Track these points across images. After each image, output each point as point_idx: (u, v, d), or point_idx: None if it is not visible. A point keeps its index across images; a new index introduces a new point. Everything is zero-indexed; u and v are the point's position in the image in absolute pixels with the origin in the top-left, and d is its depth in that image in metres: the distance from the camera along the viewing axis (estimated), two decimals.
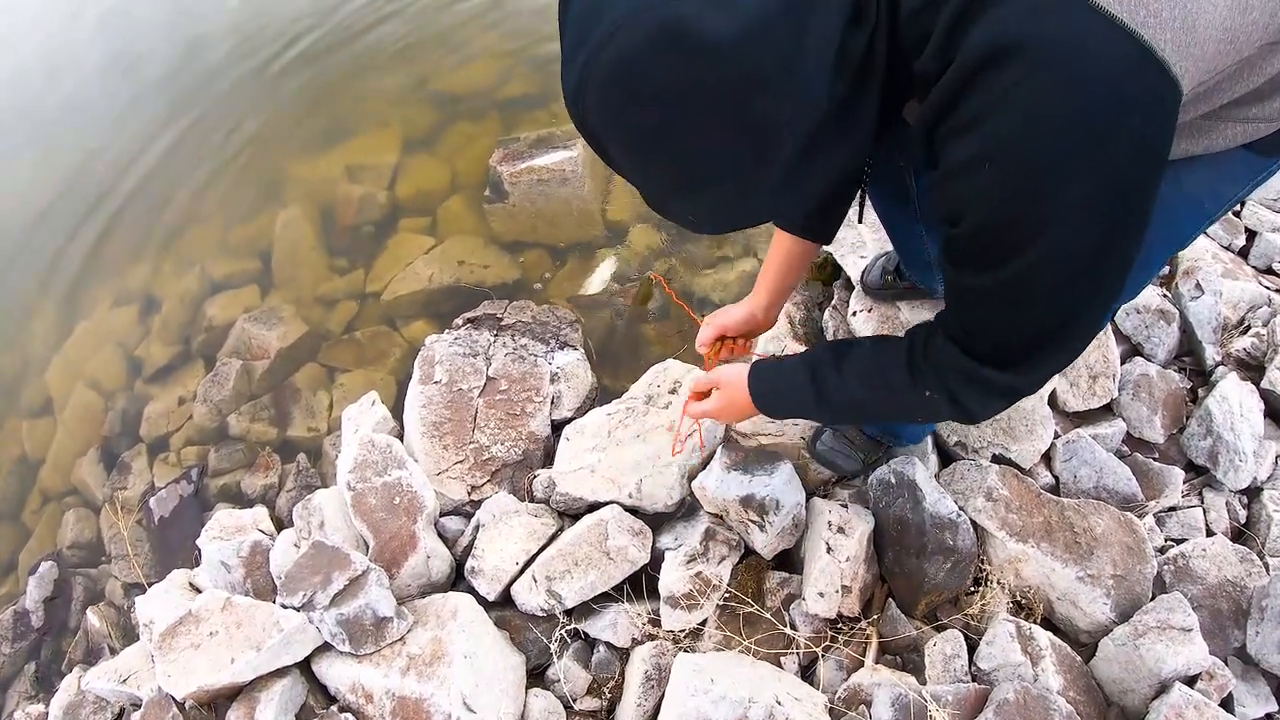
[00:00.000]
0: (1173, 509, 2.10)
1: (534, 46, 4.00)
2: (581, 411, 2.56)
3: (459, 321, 2.78)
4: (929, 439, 2.14)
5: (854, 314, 2.43)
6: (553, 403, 2.54)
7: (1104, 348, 2.26)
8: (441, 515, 2.32)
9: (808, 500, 2.03)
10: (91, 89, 4.68)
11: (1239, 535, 2.04)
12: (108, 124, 4.32)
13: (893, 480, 1.96)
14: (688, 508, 2.15)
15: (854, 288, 2.51)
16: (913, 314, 2.37)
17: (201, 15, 4.93)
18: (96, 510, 2.99)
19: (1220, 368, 2.28)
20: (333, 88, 4.16)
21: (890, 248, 2.46)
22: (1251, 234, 2.68)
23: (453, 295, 3.02)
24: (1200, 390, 2.28)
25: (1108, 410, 2.24)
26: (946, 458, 2.19)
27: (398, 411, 2.60)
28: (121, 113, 4.37)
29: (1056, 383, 2.21)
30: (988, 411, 1.15)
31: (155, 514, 2.85)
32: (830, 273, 2.74)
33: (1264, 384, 2.19)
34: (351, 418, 2.57)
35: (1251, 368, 2.29)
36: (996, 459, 2.11)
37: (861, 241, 2.61)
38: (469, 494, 2.34)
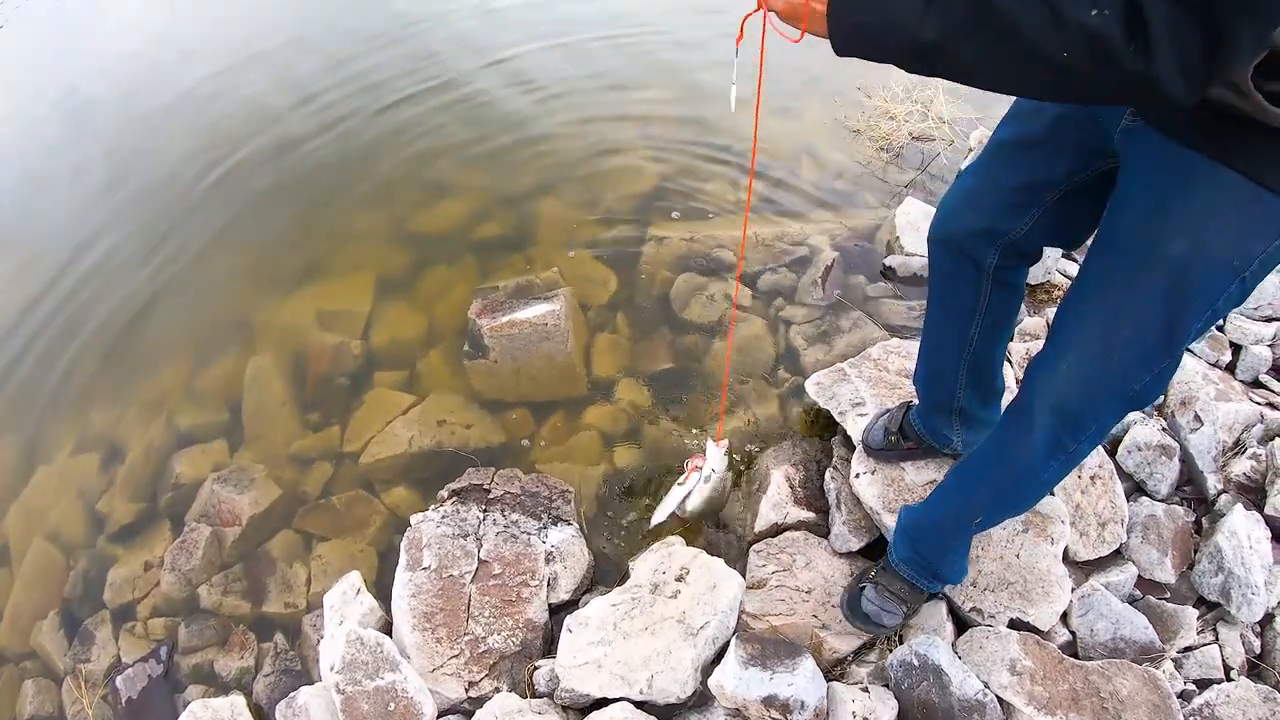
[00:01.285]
0: (1189, 649, 2.12)
1: (509, 183, 4.00)
2: (579, 592, 2.51)
3: (444, 494, 2.72)
4: (943, 605, 2.13)
5: (857, 476, 2.41)
6: (549, 585, 2.48)
7: (1110, 493, 2.29)
8: (439, 717, 2.24)
9: (827, 687, 2.00)
10: (56, 207, 4.61)
11: (1253, 667, 2.08)
12: (72, 246, 4.23)
13: (915, 662, 1.97)
14: (700, 697, 2.11)
15: (854, 447, 2.51)
16: (918, 475, 2.37)
17: (168, 139, 4.90)
18: (58, 681, 2.84)
19: (1223, 496, 2.32)
20: (304, 222, 4.12)
21: (890, 406, 2.46)
22: (1236, 348, 2.76)
23: (435, 459, 2.96)
24: (1204, 520, 2.31)
25: (1117, 555, 2.27)
26: (961, 624, 2.19)
27: (382, 592, 2.52)
28: (87, 238, 4.29)
29: (1068, 535, 2.22)
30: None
31: (123, 694, 2.73)
32: (823, 426, 2.73)
33: (1268, 510, 2.23)
34: (334, 606, 2.49)
35: (1252, 490, 2.32)
36: (1014, 624, 2.11)
37: (861, 399, 2.62)
38: (466, 690, 2.26)
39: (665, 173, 4.04)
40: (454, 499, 2.70)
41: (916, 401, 2.34)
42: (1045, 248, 1.79)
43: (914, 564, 2.04)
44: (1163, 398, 2.56)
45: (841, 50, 1.13)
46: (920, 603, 2.11)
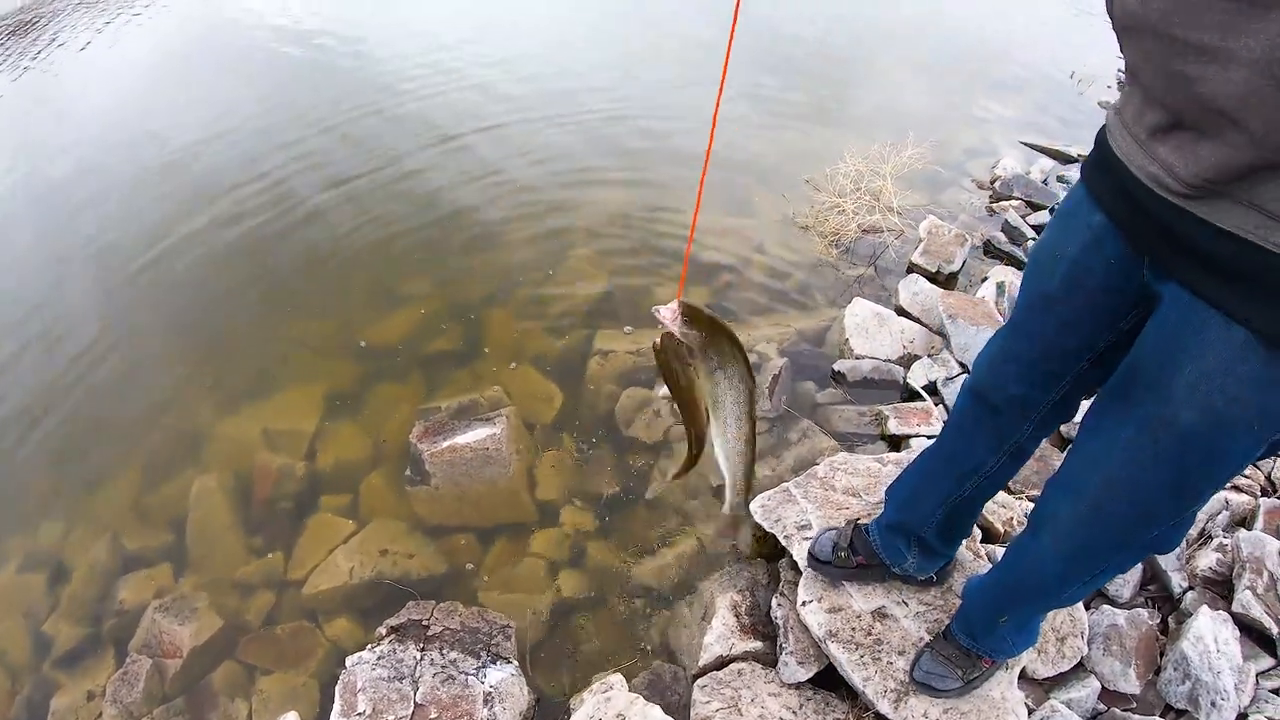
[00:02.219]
0: None
1: (459, 291, 4.03)
2: None
3: (383, 630, 2.69)
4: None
5: (804, 604, 2.40)
6: None
7: (1069, 607, 2.30)
8: None
9: None
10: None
11: None
12: (18, 342, 4.24)
13: None
14: None
15: (801, 572, 2.49)
16: (866, 603, 2.36)
17: (123, 228, 4.95)
18: None
19: (1189, 593, 2.34)
20: (257, 327, 4.14)
21: (841, 524, 2.45)
22: None
23: (376, 590, 2.94)
24: (1171, 620, 2.32)
25: (1079, 668, 2.27)
26: None
27: None
28: (33, 332, 4.30)
29: (1024, 658, 2.20)
30: None
31: None
32: (772, 547, 2.73)
33: (1235, 607, 2.24)
34: None
35: (1219, 584, 2.34)
36: None
37: (807, 521, 2.62)
38: None
39: (612, 281, 4.08)
40: (392, 636, 2.67)
41: (876, 514, 2.36)
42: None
43: (968, 633, 2.06)
44: None
45: None
46: (980, 671, 2.10)
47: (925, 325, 3.78)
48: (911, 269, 4.23)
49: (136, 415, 3.79)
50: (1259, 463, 2.80)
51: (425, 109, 6.67)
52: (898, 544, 2.25)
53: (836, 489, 2.76)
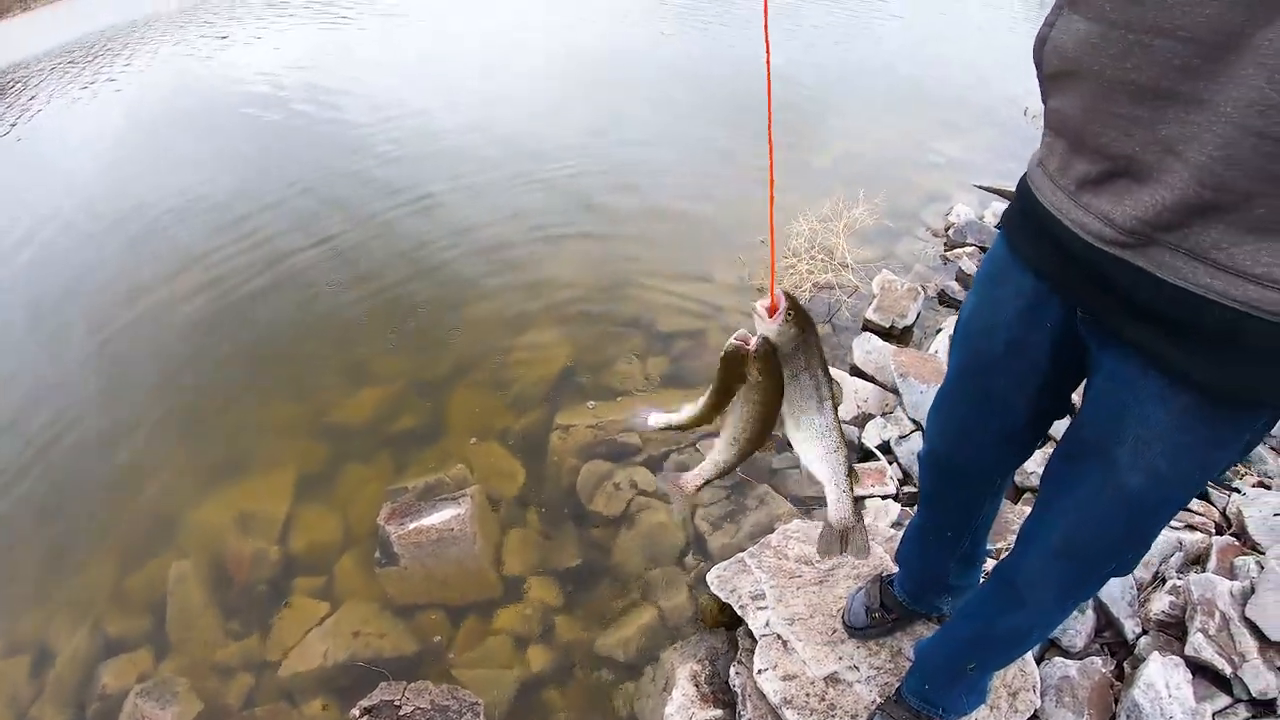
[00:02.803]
0: None
1: (424, 369, 4.18)
2: None
3: (356, 713, 2.81)
4: None
5: (759, 671, 2.50)
6: None
7: (1019, 661, 2.36)
8: None
9: None
10: None
11: None
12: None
13: None
14: None
15: (756, 640, 2.58)
16: (818, 668, 2.44)
17: (71, 318, 5.10)
18: None
19: (1144, 638, 2.41)
20: (229, 410, 4.28)
21: (863, 584, 2.55)
22: None
23: (349, 671, 3.06)
24: (1126, 665, 2.39)
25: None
26: None
27: None
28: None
29: (976, 715, 2.26)
30: None
31: None
32: (731, 615, 2.83)
33: (1188, 650, 2.30)
34: None
35: (1173, 627, 2.41)
36: None
37: (760, 591, 2.73)
38: None
39: (574, 352, 4.24)
40: (366, 717, 2.79)
41: (894, 572, 2.44)
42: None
43: (921, 695, 2.12)
44: None
45: None
46: None
47: (879, 383, 3.92)
48: (866, 326, 4.38)
49: (109, 499, 3.92)
50: (1212, 500, 2.91)
51: (392, 173, 6.89)
52: (931, 599, 2.34)
53: (789, 558, 2.89)
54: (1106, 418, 1.32)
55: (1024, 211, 1.38)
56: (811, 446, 1.51)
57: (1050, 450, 1.73)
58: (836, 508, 1.60)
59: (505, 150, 7.15)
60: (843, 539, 1.67)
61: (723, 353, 1.42)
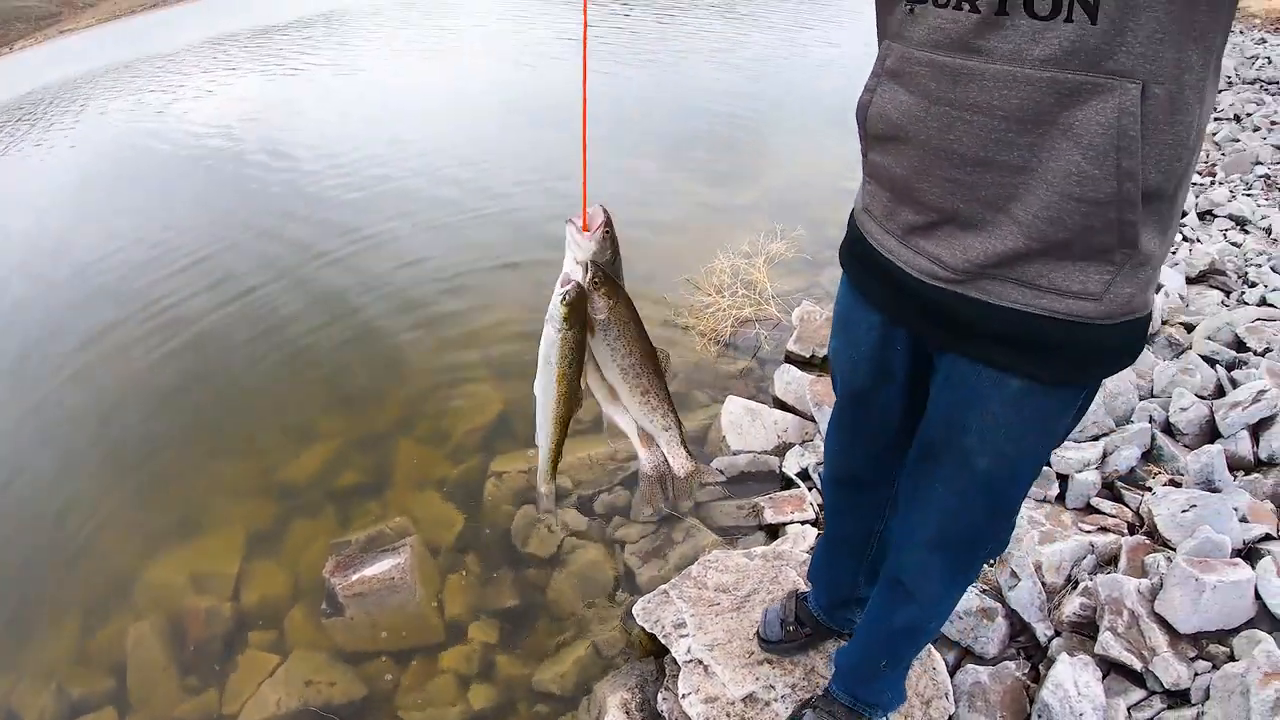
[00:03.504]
0: None
1: (364, 424, 4.43)
2: None
3: None
4: None
5: (684, 695, 2.71)
6: None
7: (930, 670, 2.54)
8: None
9: None
10: None
11: None
12: None
13: None
14: None
15: (680, 666, 2.80)
16: (736, 689, 2.65)
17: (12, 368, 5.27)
18: None
19: (1056, 639, 2.59)
20: (171, 471, 4.50)
21: (777, 601, 2.75)
22: (1063, 478, 3.12)
23: (302, 718, 3.28)
24: (1041, 667, 2.55)
25: None
26: None
27: None
28: None
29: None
30: None
31: None
32: (659, 645, 3.07)
33: (1097, 649, 2.46)
34: None
35: (1085, 627, 2.58)
36: None
37: (682, 620, 2.98)
38: None
39: (507, 399, 4.50)
40: None
41: (808, 589, 2.65)
42: None
43: (849, 691, 2.23)
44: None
45: None
46: None
47: (799, 413, 4.20)
48: (788, 357, 4.67)
49: (63, 561, 4.12)
50: (1126, 501, 3.10)
51: (322, 226, 7.19)
52: (844, 614, 2.52)
53: (709, 587, 3.14)
54: (950, 415, 1.51)
55: (860, 256, 1.58)
56: (626, 385, 1.54)
57: None
58: (648, 455, 1.65)
59: (439, 199, 7.45)
60: (662, 485, 1.70)
61: (564, 307, 1.38)
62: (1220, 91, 11.64)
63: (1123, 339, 1.31)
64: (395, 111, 13.06)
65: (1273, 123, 9.33)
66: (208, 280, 6.71)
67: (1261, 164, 7.75)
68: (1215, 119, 9.88)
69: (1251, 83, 12.57)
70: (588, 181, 1.53)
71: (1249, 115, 9.83)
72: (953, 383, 1.49)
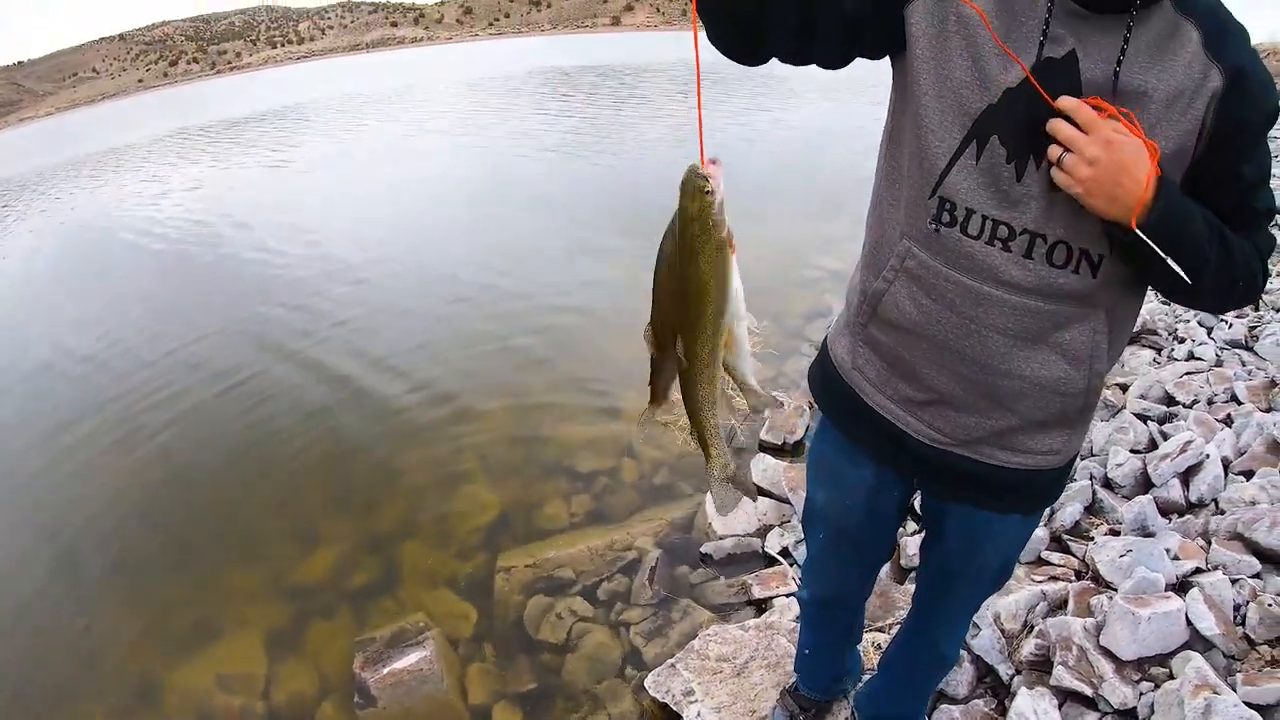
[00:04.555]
0: None
1: (369, 526, 4.83)
2: None
3: None
4: None
5: None
6: None
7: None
8: None
9: None
10: None
11: None
12: None
13: None
14: None
15: None
16: None
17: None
18: None
19: (1017, 677, 2.96)
20: (182, 578, 4.81)
21: (775, 705, 3.13)
22: None
23: None
24: (1007, 702, 2.90)
25: None
26: None
27: None
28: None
29: None
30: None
31: None
32: (665, 714, 3.48)
33: (1053, 681, 2.76)
34: None
35: (1042, 664, 2.95)
36: None
37: (690, 689, 3.39)
38: None
39: (505, 500, 4.94)
40: None
41: (792, 683, 3.02)
42: None
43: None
44: None
45: (1153, 219, 1.31)
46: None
47: (776, 497, 4.66)
48: (762, 446, 5.17)
49: (83, 671, 4.36)
50: (1072, 551, 3.51)
51: (307, 320, 7.68)
52: (839, 686, 2.85)
53: (711, 657, 3.57)
54: (966, 546, 1.91)
55: (856, 413, 1.84)
56: (742, 334, 1.54)
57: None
58: (759, 396, 1.69)
59: (421, 295, 7.98)
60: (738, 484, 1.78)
61: (696, 202, 1.33)
62: None
63: (1068, 473, 1.80)
64: (374, 200, 13.71)
65: None
66: (182, 380, 7.16)
67: None
68: None
69: None
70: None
71: None
72: (965, 525, 1.88)
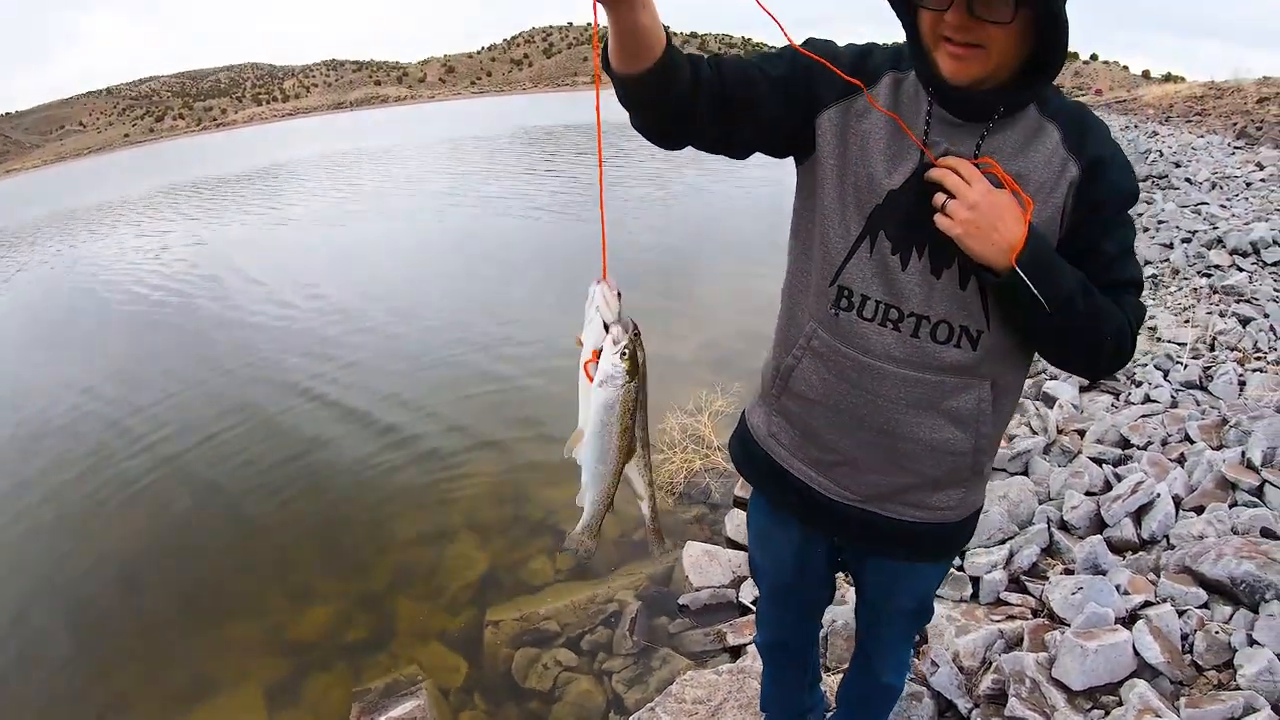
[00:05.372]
0: None
1: (363, 583, 5.07)
2: None
3: None
4: None
5: None
6: None
7: None
8: None
9: None
10: None
11: None
12: None
13: None
14: None
15: None
16: None
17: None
18: None
19: (975, 710, 3.10)
20: (178, 633, 5.00)
21: None
22: (975, 579, 3.76)
23: None
24: None
25: None
26: None
27: None
28: None
29: None
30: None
31: None
32: None
33: (1007, 712, 2.89)
34: None
35: (998, 698, 3.08)
36: None
37: None
38: None
39: (492, 557, 5.20)
40: None
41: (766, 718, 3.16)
42: None
43: None
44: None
45: (1026, 259, 1.48)
46: None
47: (748, 550, 4.94)
48: (736, 501, 5.42)
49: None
50: (1029, 591, 3.68)
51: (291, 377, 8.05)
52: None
53: (687, 700, 3.76)
54: (885, 594, 2.15)
55: (774, 477, 2.01)
56: (644, 434, 1.73)
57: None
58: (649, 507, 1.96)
59: (397, 350, 8.39)
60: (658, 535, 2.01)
61: (628, 360, 1.51)
62: None
63: (974, 523, 1.98)
64: (368, 259, 14.07)
65: (1160, 222, 10.20)
66: (172, 438, 7.48)
67: (1150, 263, 8.62)
68: None
69: (1144, 179, 13.49)
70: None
71: (1139, 215, 10.66)
72: (880, 573, 2.11)
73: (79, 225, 24.50)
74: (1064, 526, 4.00)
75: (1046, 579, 3.62)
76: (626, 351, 1.49)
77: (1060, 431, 5.03)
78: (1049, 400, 5.59)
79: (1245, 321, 6.49)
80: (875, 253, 1.64)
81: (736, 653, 4.14)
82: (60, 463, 7.21)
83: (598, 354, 1.52)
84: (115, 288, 14.05)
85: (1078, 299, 1.53)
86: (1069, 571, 3.64)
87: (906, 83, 1.61)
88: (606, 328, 1.51)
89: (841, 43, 1.72)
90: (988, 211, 1.47)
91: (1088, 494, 4.17)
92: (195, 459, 6.92)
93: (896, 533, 1.90)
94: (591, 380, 1.54)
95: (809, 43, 1.66)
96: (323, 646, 4.67)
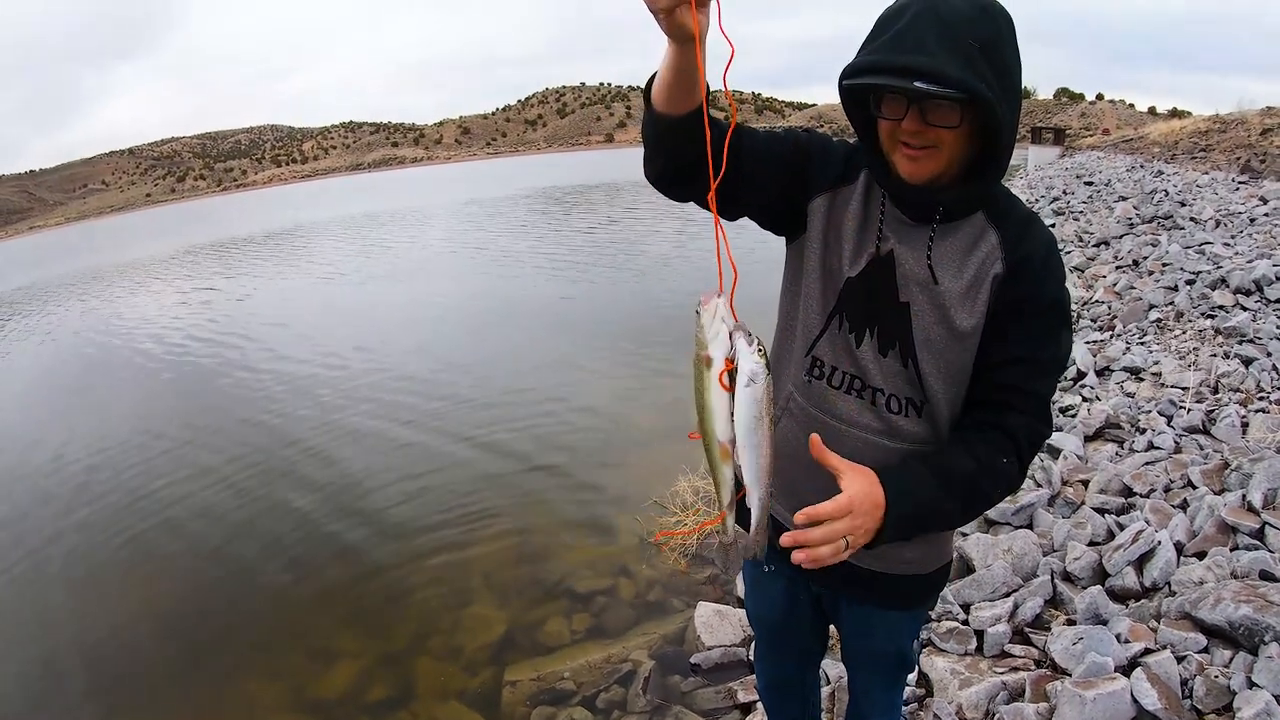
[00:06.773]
0: None
1: (384, 642, 5.19)
2: None
3: None
4: None
5: None
6: None
7: None
8: None
9: None
10: None
11: None
12: None
13: None
14: None
15: None
16: None
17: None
18: None
19: None
20: (206, 691, 5.08)
21: None
22: (979, 633, 3.82)
23: None
24: None
25: None
26: None
27: None
28: None
29: None
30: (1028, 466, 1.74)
31: None
32: None
33: None
34: None
35: None
36: None
37: None
38: None
39: (510, 617, 5.30)
40: None
41: None
42: None
43: None
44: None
45: (889, 533, 1.60)
46: None
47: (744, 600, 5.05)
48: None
49: None
50: (1033, 642, 3.75)
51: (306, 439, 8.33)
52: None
53: None
54: (862, 636, 2.26)
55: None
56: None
57: None
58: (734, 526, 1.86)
59: (408, 405, 8.73)
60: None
61: (765, 358, 1.57)
62: (1121, 237, 12.67)
63: (941, 577, 2.09)
64: (398, 319, 14.52)
65: (1164, 265, 10.16)
66: (198, 492, 7.75)
67: (1155, 307, 8.62)
68: (1116, 267, 10.82)
69: (1150, 220, 13.41)
70: None
71: (1145, 259, 10.68)
72: (856, 616, 2.21)
73: (126, 282, 24.87)
74: (1067, 577, 4.03)
75: (1049, 630, 3.65)
76: (762, 348, 1.57)
77: (1065, 483, 5.08)
78: (1053, 452, 5.63)
79: (1248, 362, 6.52)
80: (841, 330, 1.83)
81: (747, 709, 4.22)
82: (82, 525, 7.42)
83: (730, 361, 1.57)
84: (164, 343, 14.27)
85: (953, 508, 1.70)
86: (1071, 622, 3.69)
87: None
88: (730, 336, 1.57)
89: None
90: (853, 533, 1.57)
91: (1090, 544, 4.19)
92: (217, 517, 7.08)
93: (868, 581, 2.04)
94: (728, 388, 1.58)
95: (810, 133, 1.86)
96: (344, 705, 4.77)
